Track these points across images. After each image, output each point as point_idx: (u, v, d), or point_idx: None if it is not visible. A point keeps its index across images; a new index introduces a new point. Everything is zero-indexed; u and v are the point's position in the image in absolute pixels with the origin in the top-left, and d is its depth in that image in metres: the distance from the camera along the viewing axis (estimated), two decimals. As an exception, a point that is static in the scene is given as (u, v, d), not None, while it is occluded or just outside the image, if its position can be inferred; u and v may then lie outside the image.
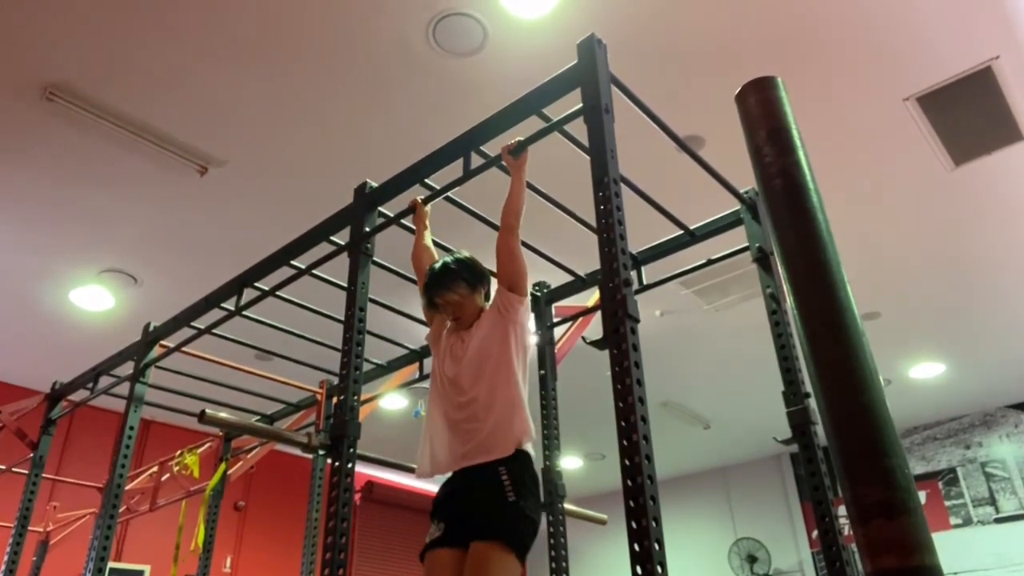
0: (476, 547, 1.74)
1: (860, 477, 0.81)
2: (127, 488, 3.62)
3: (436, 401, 2.00)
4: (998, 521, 6.45)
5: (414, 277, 2.31)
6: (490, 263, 2.10)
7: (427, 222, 2.25)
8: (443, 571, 1.79)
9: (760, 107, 1.10)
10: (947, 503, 6.72)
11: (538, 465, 2.69)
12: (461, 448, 1.87)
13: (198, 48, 2.90)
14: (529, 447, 1.89)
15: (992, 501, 6.52)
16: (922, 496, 6.40)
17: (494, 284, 2.06)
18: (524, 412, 1.88)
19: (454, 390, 1.94)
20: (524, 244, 2.42)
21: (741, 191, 2.35)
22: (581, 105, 1.71)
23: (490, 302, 2.04)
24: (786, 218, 1.00)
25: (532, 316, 2.77)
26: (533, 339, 2.91)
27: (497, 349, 1.92)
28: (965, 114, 3.33)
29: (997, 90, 3.18)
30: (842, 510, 1.08)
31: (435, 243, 2.31)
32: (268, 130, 3.31)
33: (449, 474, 1.92)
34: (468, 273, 2.02)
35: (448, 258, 2.07)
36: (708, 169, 2.22)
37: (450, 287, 1.98)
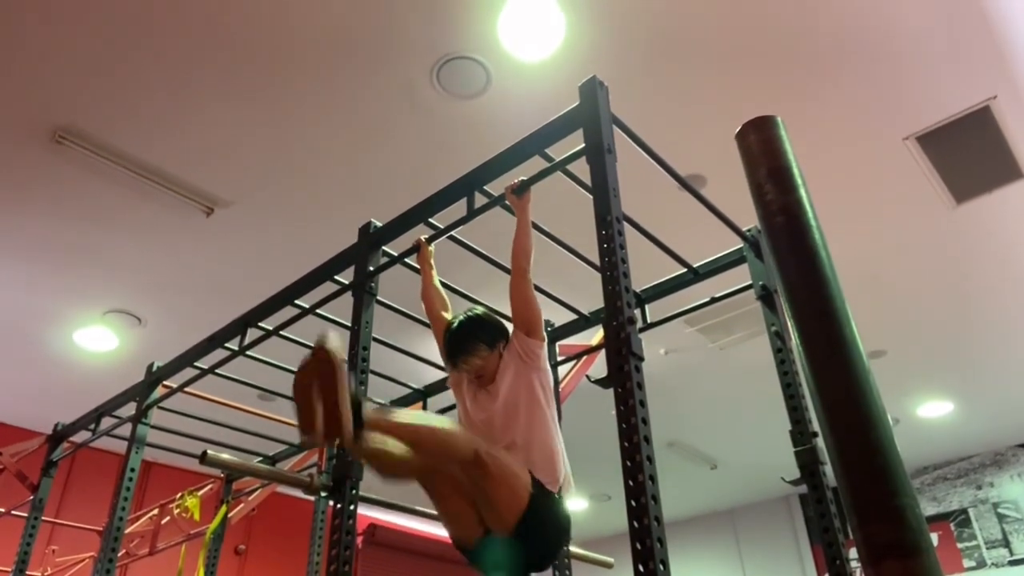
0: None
1: (870, 517, 0.80)
2: (127, 531, 3.58)
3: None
4: (1012, 563, 6.31)
5: (419, 317, 2.31)
6: (495, 302, 2.10)
7: (432, 261, 2.25)
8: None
9: (761, 146, 1.11)
10: (960, 545, 6.59)
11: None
12: None
13: (205, 91, 2.95)
14: (567, 495, 1.83)
15: (1006, 543, 6.40)
16: (934, 538, 6.27)
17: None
18: (561, 459, 1.84)
19: (490, 431, 1.88)
20: (528, 283, 2.43)
21: (743, 229, 2.36)
22: (583, 145, 1.72)
23: (508, 348, 1.99)
24: (789, 256, 1.00)
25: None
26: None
27: (526, 396, 1.87)
28: (965, 153, 3.36)
29: (996, 129, 3.21)
30: (853, 552, 1.06)
31: (442, 283, 2.31)
32: (274, 171, 3.35)
33: None
34: (486, 334, 1.97)
35: (462, 317, 2.01)
36: (710, 207, 2.23)
37: (472, 352, 1.93)
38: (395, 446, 1.59)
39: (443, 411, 3.11)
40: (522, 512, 1.67)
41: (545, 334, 1.99)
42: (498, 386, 1.92)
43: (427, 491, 1.81)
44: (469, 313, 2.03)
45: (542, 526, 1.73)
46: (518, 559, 1.70)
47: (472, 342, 1.94)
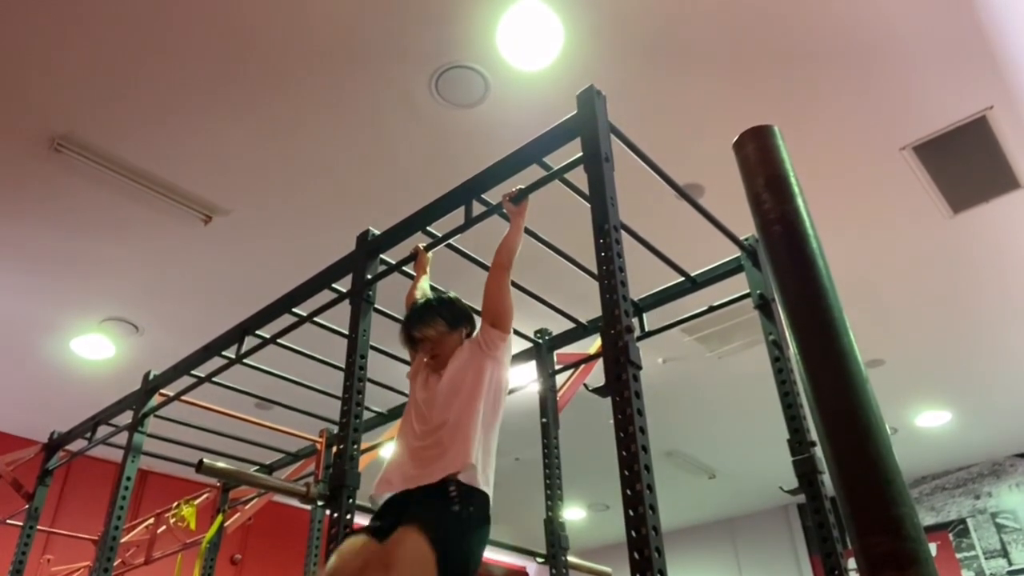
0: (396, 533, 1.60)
1: (868, 527, 0.80)
2: (122, 540, 3.56)
3: (402, 429, 1.92)
4: (1011, 574, 6.29)
5: (415, 325, 2.30)
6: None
7: (427, 268, 2.26)
8: (350, 551, 1.64)
9: (758, 155, 1.11)
10: (959, 555, 6.57)
11: (540, 516, 2.65)
12: (414, 471, 1.76)
13: (203, 99, 2.96)
14: (486, 487, 1.74)
15: (1004, 553, 6.38)
16: (933, 549, 6.26)
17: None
18: (475, 448, 1.74)
19: (419, 419, 1.86)
20: (526, 291, 2.43)
21: (741, 238, 2.36)
22: (581, 154, 1.73)
23: (471, 339, 1.98)
24: (786, 264, 1.00)
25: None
26: (535, 387, 2.89)
27: (471, 380, 1.84)
28: (962, 163, 3.37)
29: (993, 139, 3.22)
30: (852, 562, 1.06)
31: (435, 289, 2.31)
32: (272, 179, 3.35)
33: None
34: (447, 311, 1.97)
35: (432, 295, 2.05)
36: (708, 216, 2.24)
37: (427, 322, 1.93)
38: None
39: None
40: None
41: (512, 330, 1.95)
42: (449, 367, 1.90)
43: None
44: (437, 294, 2.05)
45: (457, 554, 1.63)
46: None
47: (432, 314, 1.95)
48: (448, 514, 1.65)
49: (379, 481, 1.82)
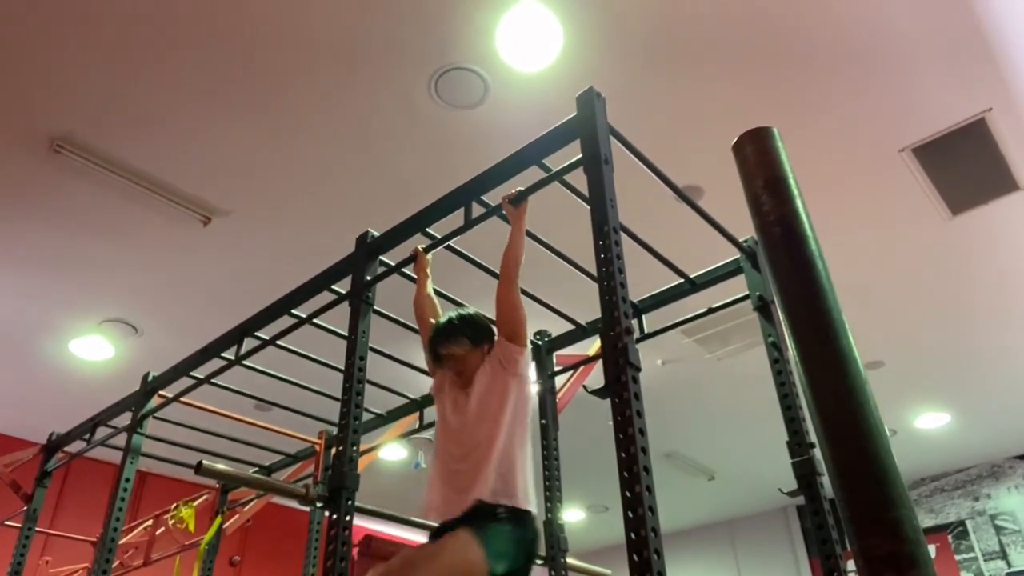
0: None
1: (868, 529, 0.80)
2: (121, 542, 3.55)
3: (439, 450, 1.98)
4: (1010, 576, 6.30)
5: (415, 326, 2.30)
6: (492, 311, 2.10)
7: (428, 271, 2.26)
8: (401, 556, 1.78)
9: (757, 157, 1.11)
10: (958, 557, 6.57)
11: (539, 518, 2.65)
12: (455, 495, 1.84)
13: (203, 101, 2.96)
14: (528, 505, 1.83)
15: (1003, 555, 6.38)
16: (932, 550, 6.25)
17: None
18: (521, 471, 1.85)
19: (455, 443, 1.92)
20: (525, 292, 2.43)
21: (740, 240, 2.37)
22: (581, 156, 1.73)
23: (491, 352, 2.02)
24: (786, 266, 1.00)
25: (532, 364, 2.76)
26: (535, 388, 2.89)
27: (497, 404, 1.90)
28: (961, 165, 3.37)
29: (991, 141, 3.22)
30: (851, 564, 1.06)
31: (437, 292, 2.31)
32: (272, 180, 3.35)
33: None
34: (471, 329, 2.02)
35: (453, 313, 2.07)
36: (707, 218, 2.24)
37: (452, 340, 1.99)
38: None
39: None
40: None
41: (528, 342, 2.00)
42: (475, 387, 1.95)
43: None
44: (460, 311, 2.08)
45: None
46: None
47: (456, 333, 2.00)
48: (496, 526, 1.74)
49: (426, 508, 1.92)
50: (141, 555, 4.18)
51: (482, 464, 1.82)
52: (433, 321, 2.12)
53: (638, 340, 1.97)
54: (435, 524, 1.90)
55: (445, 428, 1.98)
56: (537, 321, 2.92)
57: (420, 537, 2.12)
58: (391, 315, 2.48)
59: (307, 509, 3.69)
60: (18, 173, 3.22)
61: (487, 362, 1.98)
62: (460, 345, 1.98)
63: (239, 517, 4.02)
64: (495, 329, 2.03)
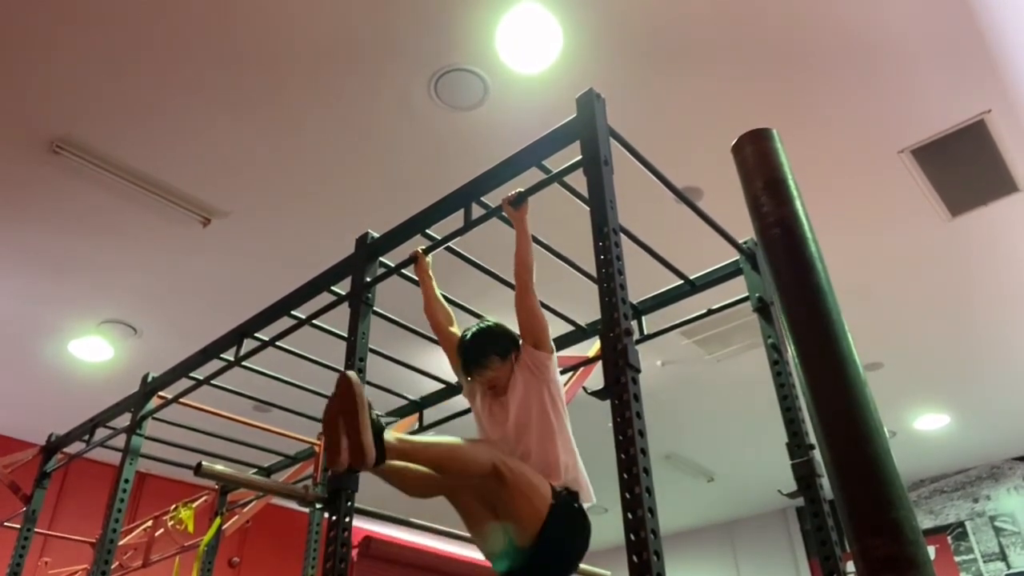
0: None
1: (867, 530, 0.80)
2: (120, 543, 3.55)
3: None
4: (1009, 577, 6.30)
5: (416, 328, 2.30)
6: (493, 312, 2.10)
7: (431, 272, 2.25)
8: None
9: (757, 158, 1.11)
10: (957, 559, 6.57)
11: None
12: None
13: (203, 101, 2.96)
14: (585, 502, 1.93)
15: (1003, 556, 6.38)
16: (931, 552, 6.25)
17: None
18: (576, 467, 1.96)
19: (504, 448, 1.92)
20: (524, 294, 2.43)
21: (740, 241, 2.36)
22: (580, 157, 1.73)
23: (519, 359, 2.01)
24: (785, 268, 1.01)
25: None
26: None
27: (537, 409, 1.91)
28: (960, 166, 3.37)
29: (991, 143, 3.23)
30: (851, 566, 1.06)
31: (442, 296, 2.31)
32: (271, 181, 3.35)
33: None
34: (498, 345, 2.00)
35: (475, 330, 2.03)
36: (707, 220, 2.24)
37: (485, 364, 1.97)
38: (417, 467, 1.70)
39: (439, 423, 3.11)
40: (542, 523, 1.73)
41: (553, 345, 2.01)
42: (510, 399, 1.95)
43: (456, 508, 1.86)
44: (481, 325, 2.06)
45: (562, 537, 1.80)
46: (541, 570, 1.78)
47: (486, 355, 1.98)
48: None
49: None
50: (140, 556, 4.18)
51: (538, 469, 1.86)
52: (453, 330, 2.10)
53: (638, 341, 1.97)
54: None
55: (486, 438, 1.99)
56: (537, 322, 2.92)
57: (420, 539, 2.12)
58: (391, 316, 2.48)
59: (306, 510, 3.68)
60: (17, 174, 3.22)
61: (517, 371, 1.98)
62: (492, 365, 1.97)
63: (238, 518, 4.02)
64: (518, 336, 2.02)
